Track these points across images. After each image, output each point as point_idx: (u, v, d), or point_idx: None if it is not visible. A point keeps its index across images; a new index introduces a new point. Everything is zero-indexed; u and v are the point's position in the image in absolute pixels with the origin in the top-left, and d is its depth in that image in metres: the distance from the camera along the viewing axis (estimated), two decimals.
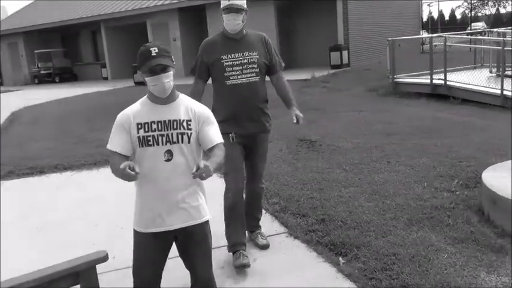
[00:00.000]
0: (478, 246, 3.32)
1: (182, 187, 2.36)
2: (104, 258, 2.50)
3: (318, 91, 12.24)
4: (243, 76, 3.30)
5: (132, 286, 2.52)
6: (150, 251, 2.46)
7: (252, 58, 3.31)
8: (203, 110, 2.43)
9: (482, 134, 6.68)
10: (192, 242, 2.46)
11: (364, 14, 17.35)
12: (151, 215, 2.37)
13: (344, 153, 5.99)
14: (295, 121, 3.47)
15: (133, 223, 2.47)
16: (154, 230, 2.38)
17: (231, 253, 3.39)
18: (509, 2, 46.89)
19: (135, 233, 2.46)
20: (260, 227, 3.78)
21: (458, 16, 43.96)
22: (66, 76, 26.11)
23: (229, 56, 3.30)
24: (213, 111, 2.93)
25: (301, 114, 3.47)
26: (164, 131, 2.31)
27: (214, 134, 2.41)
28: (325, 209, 4.17)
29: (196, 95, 3.38)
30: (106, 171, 6.19)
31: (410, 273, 2.99)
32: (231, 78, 3.30)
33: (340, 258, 3.32)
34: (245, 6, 3.28)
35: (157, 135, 2.30)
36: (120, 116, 2.36)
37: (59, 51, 27.00)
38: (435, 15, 38.01)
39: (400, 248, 3.34)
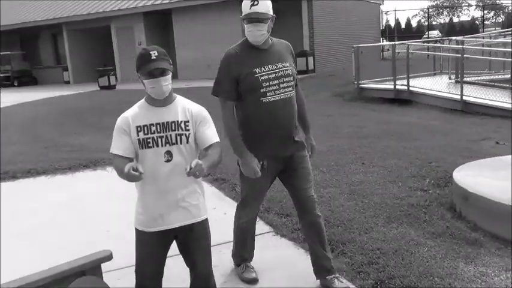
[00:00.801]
0: (455, 239, 3.57)
1: (182, 186, 2.45)
2: (109, 257, 2.55)
3: None
4: (281, 91, 2.84)
5: (133, 284, 2.59)
6: (152, 248, 2.53)
7: (287, 70, 2.88)
8: (200, 110, 2.50)
9: (447, 137, 7.06)
10: (193, 239, 2.54)
11: (328, 22, 17.80)
12: (153, 214, 2.44)
13: (319, 155, 6.17)
14: (309, 153, 3.11)
15: (135, 222, 2.54)
16: (156, 229, 2.45)
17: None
18: (463, 12, 49.11)
19: (138, 232, 2.52)
20: (335, 270, 3.06)
21: (414, 24, 45.52)
22: (25, 80, 25.33)
23: (263, 68, 2.83)
24: (243, 138, 2.92)
25: (315, 145, 3.15)
26: (163, 132, 2.38)
27: (210, 133, 2.48)
28: None
29: (233, 118, 2.94)
30: (81, 176, 6.17)
31: (395, 266, 3.19)
32: (268, 94, 2.82)
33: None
34: (271, 12, 2.80)
35: (156, 137, 2.38)
36: (120, 120, 2.43)
37: (18, 53, 26.20)
38: (392, 23, 39.12)
39: (383, 243, 3.54)
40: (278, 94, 2.84)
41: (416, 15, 47.50)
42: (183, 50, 18.57)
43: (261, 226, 4.12)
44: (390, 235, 3.68)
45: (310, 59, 15.93)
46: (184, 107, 2.47)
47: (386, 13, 39.45)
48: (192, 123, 2.45)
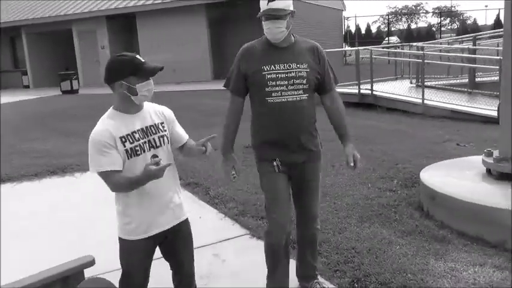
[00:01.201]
0: (424, 237, 3.72)
1: (169, 188, 2.48)
2: (91, 263, 2.56)
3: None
4: (289, 93, 2.65)
5: None
6: (142, 256, 2.49)
7: (301, 71, 2.65)
8: (168, 111, 2.57)
9: (411, 140, 7.31)
10: (179, 239, 2.56)
11: (293, 27, 18.03)
12: (147, 220, 2.42)
13: None
14: (351, 164, 2.80)
15: (121, 233, 2.46)
16: (150, 233, 2.43)
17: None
18: (420, 19, 50.82)
19: (126, 242, 2.45)
20: (317, 276, 3.10)
21: (374, 30, 46.73)
22: None
23: (272, 67, 2.66)
24: (251, 135, 2.87)
25: (358, 155, 2.83)
26: (146, 137, 2.39)
27: (182, 131, 2.61)
28: None
29: (235, 115, 2.85)
30: (49, 182, 6.03)
31: (370, 264, 3.30)
32: (273, 95, 2.66)
33: None
34: (290, 7, 2.63)
35: (142, 143, 2.37)
36: (100, 135, 2.30)
37: None
38: (353, 29, 40.00)
39: (357, 243, 3.65)
40: (285, 96, 2.65)
41: (376, 21, 48.79)
42: (147, 54, 18.36)
43: (237, 229, 4.18)
44: (363, 234, 3.80)
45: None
46: (155, 110, 2.51)
47: (347, 19, 40.41)
48: (166, 124, 2.50)
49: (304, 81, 2.67)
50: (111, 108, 2.41)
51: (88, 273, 2.49)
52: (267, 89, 2.66)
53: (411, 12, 51.45)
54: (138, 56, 2.34)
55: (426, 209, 4.28)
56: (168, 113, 2.54)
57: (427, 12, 51.11)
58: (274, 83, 2.65)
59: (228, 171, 2.85)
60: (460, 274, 3.12)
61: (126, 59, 2.34)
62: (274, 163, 2.76)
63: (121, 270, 2.49)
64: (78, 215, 4.81)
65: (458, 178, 4.39)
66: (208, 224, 4.32)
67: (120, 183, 2.28)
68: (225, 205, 4.70)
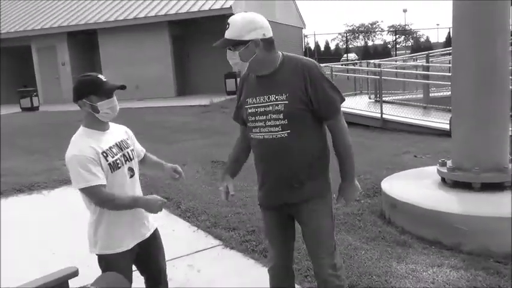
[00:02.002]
0: (387, 242, 3.98)
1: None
2: (75, 273, 2.62)
3: (218, 116, 12.74)
4: (266, 130, 2.36)
5: None
6: (127, 267, 2.57)
7: (278, 104, 2.32)
8: (127, 128, 2.74)
9: (371, 152, 7.66)
10: (155, 247, 2.69)
11: None
12: (130, 230, 2.54)
13: None
14: (340, 204, 2.65)
15: (101, 249, 2.51)
16: (131, 244, 2.53)
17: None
18: (376, 36, 52.68)
19: (111, 257, 2.50)
20: None
21: (333, 47, 48.03)
22: None
23: (254, 100, 2.40)
24: None
25: (350, 198, 2.59)
26: (121, 151, 2.53)
27: (139, 147, 2.79)
28: (252, 221, 4.58)
29: (239, 143, 2.68)
30: (16, 200, 5.97)
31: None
32: (253, 130, 2.43)
33: None
34: (247, 37, 2.26)
35: (120, 156, 2.51)
36: (82, 152, 2.37)
37: None
38: (312, 46, 41.00)
39: None
40: (263, 133, 2.38)
41: (334, 38, 50.16)
42: (109, 71, 18.26)
43: (210, 240, 4.32)
44: None
45: (239, 80, 16.37)
46: (118, 128, 2.67)
47: (306, 36, 41.40)
48: (129, 139, 2.68)
49: (281, 116, 2.32)
50: (81, 126, 2.50)
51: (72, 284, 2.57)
52: (249, 124, 2.46)
53: (368, 30, 53.31)
54: (100, 76, 2.48)
55: (388, 216, 4.56)
56: (129, 130, 2.74)
57: (382, 30, 53.10)
58: (254, 118, 2.41)
59: (221, 191, 2.70)
60: (421, 275, 3.38)
61: (87, 79, 2.48)
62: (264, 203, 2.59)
63: None
64: (51, 231, 4.81)
65: (416, 187, 4.70)
66: (181, 237, 4.44)
67: (114, 199, 2.39)
68: (196, 218, 4.83)
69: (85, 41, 19.34)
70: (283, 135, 2.34)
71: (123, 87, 2.49)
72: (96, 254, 2.55)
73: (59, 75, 19.05)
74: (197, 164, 7.11)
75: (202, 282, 3.54)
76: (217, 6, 16.41)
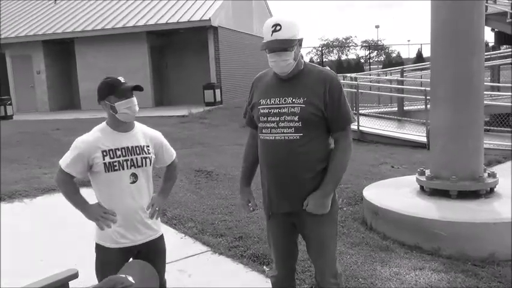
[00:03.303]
0: (370, 247, 4.14)
1: (145, 205, 2.69)
2: (75, 275, 2.68)
3: (197, 126, 12.81)
4: (278, 131, 2.40)
5: None
6: (117, 265, 2.67)
7: (294, 107, 2.37)
8: (156, 135, 2.80)
9: (351, 163, 7.79)
10: (154, 253, 2.74)
11: (232, 56, 18.62)
12: (122, 231, 2.62)
13: None
14: (305, 206, 2.46)
15: (100, 239, 2.66)
16: (124, 245, 2.62)
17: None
18: (350, 51, 53.78)
19: (102, 249, 2.64)
20: None
21: (307, 61, 48.62)
22: None
23: (267, 101, 2.45)
24: None
25: (315, 204, 2.43)
26: (128, 156, 2.60)
27: (166, 156, 2.84)
28: (239, 228, 4.68)
29: (250, 148, 2.69)
30: None
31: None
32: (263, 131, 2.45)
33: (265, 267, 3.86)
34: (298, 36, 2.35)
35: (122, 160, 2.58)
36: (82, 144, 2.55)
37: None
38: None
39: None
40: (274, 133, 2.41)
41: (309, 52, 50.90)
42: (86, 80, 18.14)
43: (198, 246, 4.39)
44: None
45: (218, 91, 16.49)
46: (143, 132, 2.74)
47: None
48: (151, 147, 2.72)
49: (296, 118, 2.36)
50: (104, 122, 2.65)
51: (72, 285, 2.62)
52: (259, 125, 2.49)
53: (342, 45, 54.36)
54: (119, 78, 2.61)
55: (370, 223, 4.73)
56: (154, 137, 2.76)
57: (356, 45, 54.23)
58: (265, 118, 2.44)
59: (243, 205, 2.78)
60: (404, 277, 3.55)
61: (107, 80, 2.61)
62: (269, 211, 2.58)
63: None
64: (37, 239, 4.80)
65: (396, 195, 4.90)
66: (169, 243, 4.41)
67: (63, 183, 2.63)
68: (183, 225, 4.90)
69: (61, 50, 19.15)
70: (295, 137, 2.38)
71: (139, 88, 2.59)
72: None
73: (34, 83, 18.77)
74: (180, 173, 7.14)
75: (195, 286, 3.62)
76: (196, 17, 16.53)
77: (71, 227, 5.07)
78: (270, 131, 2.43)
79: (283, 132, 2.40)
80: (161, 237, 2.80)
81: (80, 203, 2.65)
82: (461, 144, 4.58)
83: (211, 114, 14.86)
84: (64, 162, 2.58)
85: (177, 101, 17.88)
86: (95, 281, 2.71)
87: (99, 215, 2.60)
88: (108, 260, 2.64)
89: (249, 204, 2.74)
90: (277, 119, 2.41)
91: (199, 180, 6.74)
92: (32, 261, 4.19)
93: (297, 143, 2.39)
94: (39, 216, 5.59)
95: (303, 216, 2.49)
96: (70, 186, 2.64)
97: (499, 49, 14.53)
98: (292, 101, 2.40)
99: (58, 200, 6.25)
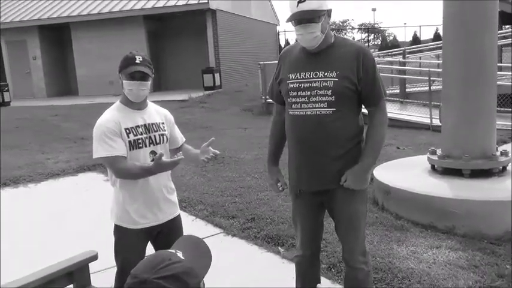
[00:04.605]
0: (385, 227, 4.11)
1: (165, 184, 2.64)
2: (95, 257, 2.64)
3: (197, 111, 12.72)
4: (309, 106, 2.31)
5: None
6: (138, 247, 2.64)
7: (326, 81, 2.28)
8: (169, 114, 2.76)
9: None
10: (174, 232, 2.69)
11: (231, 40, 18.44)
12: (143, 211, 2.56)
13: (247, 163, 6.55)
14: (343, 182, 2.36)
15: (118, 220, 2.59)
16: (146, 225, 2.58)
17: None
18: (347, 34, 53.43)
19: (124, 230, 2.58)
20: None
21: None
22: None
23: (297, 75, 2.36)
24: None
25: (354, 180, 2.35)
26: (147, 133, 2.55)
27: (180, 135, 2.81)
28: (250, 210, 4.65)
29: (276, 125, 2.61)
30: (3, 194, 5.83)
31: (341, 252, 3.61)
32: (293, 106, 2.37)
33: (280, 248, 3.83)
34: (325, 7, 2.24)
35: (144, 138, 2.53)
36: (107, 123, 2.47)
37: None
38: (282, 43, 41.24)
39: (327, 235, 3.94)
40: (304, 108, 2.32)
41: None
42: (83, 66, 17.95)
43: (210, 228, 4.36)
44: (331, 228, 4.09)
45: (217, 75, 16.35)
46: (157, 110, 2.68)
47: (278, 34, 41.57)
48: (166, 124, 2.68)
49: (329, 93, 2.27)
50: (118, 101, 2.58)
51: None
52: (288, 100, 2.39)
53: (339, 28, 54.00)
54: (135, 56, 2.49)
55: (381, 203, 4.70)
56: (168, 114, 2.73)
57: (353, 28, 53.90)
58: (295, 93, 2.35)
59: (272, 185, 2.70)
60: (421, 256, 3.52)
61: (126, 55, 2.53)
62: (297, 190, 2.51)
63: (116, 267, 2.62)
64: (43, 224, 4.75)
65: (407, 175, 4.86)
66: None
67: (128, 169, 2.43)
68: (193, 208, 4.85)
69: (57, 35, 18.90)
70: (328, 112, 2.29)
71: (144, 76, 2.46)
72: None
73: (30, 69, 18.55)
74: None
75: (211, 269, 3.57)
76: (193, 1, 16.30)
77: (81, 210, 5.04)
78: (301, 105, 2.34)
79: (315, 107, 2.31)
80: (179, 216, 2.76)
81: (152, 171, 2.42)
82: (474, 122, 4.53)
83: (211, 98, 14.75)
84: (103, 151, 2.42)
85: (176, 86, 17.73)
86: (114, 263, 2.68)
87: (165, 163, 2.39)
88: (128, 242, 2.61)
89: (278, 183, 2.65)
90: (308, 93, 2.32)
91: (205, 163, 6.66)
92: (46, 244, 4.14)
93: (329, 118, 2.30)
94: (44, 201, 5.53)
95: (334, 193, 2.42)
96: (130, 167, 2.44)
97: (501, 29, 14.44)
98: (324, 74, 2.30)
99: (62, 185, 6.23)
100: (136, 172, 2.44)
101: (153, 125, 2.59)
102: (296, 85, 2.36)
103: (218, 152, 2.63)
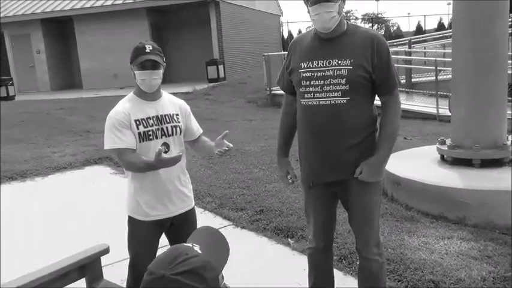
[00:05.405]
0: (395, 218, 4.08)
1: (178, 176, 2.61)
2: (106, 250, 2.62)
3: (202, 103, 12.69)
4: (323, 95, 2.25)
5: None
6: (147, 238, 2.62)
7: (341, 69, 2.22)
8: (185, 104, 2.71)
9: None
10: (187, 225, 2.66)
11: (235, 31, 18.35)
12: (154, 203, 2.54)
13: (254, 155, 6.53)
14: (358, 174, 2.32)
15: (131, 212, 2.58)
16: (156, 217, 2.56)
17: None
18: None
19: (136, 222, 2.57)
20: None
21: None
22: None
23: (310, 64, 2.30)
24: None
25: (368, 172, 2.30)
26: (159, 125, 2.51)
27: (196, 126, 2.76)
28: (259, 202, 4.62)
29: (286, 116, 2.56)
30: (10, 188, 5.83)
31: (353, 243, 3.58)
32: (306, 96, 2.31)
33: (290, 240, 3.81)
34: None
35: (155, 129, 2.50)
36: (117, 115, 2.46)
37: None
38: (285, 34, 41.07)
39: (338, 226, 3.91)
40: (317, 98, 2.27)
41: (309, 27, 50.32)
42: (87, 59, 17.92)
43: (219, 220, 4.34)
44: (341, 219, 4.06)
45: (221, 67, 16.29)
46: (171, 101, 2.64)
47: (281, 25, 41.38)
48: (181, 116, 2.63)
49: (343, 81, 2.22)
50: (131, 92, 2.56)
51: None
52: (300, 90, 2.34)
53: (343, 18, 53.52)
54: (147, 45, 2.46)
55: (391, 194, 4.66)
56: (185, 106, 2.68)
57: (357, 18, 53.51)
58: (308, 82, 2.29)
59: (282, 177, 2.66)
60: (433, 246, 3.49)
61: (136, 46, 2.49)
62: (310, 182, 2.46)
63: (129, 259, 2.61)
64: (51, 217, 4.74)
65: (417, 165, 4.82)
66: None
67: (134, 163, 2.41)
68: (201, 200, 4.83)
69: (61, 29, 18.86)
70: (342, 101, 2.24)
71: (155, 65, 2.43)
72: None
73: (33, 63, 18.54)
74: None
75: None
76: None
77: (89, 203, 5.03)
78: (313, 95, 2.29)
79: (329, 97, 2.26)
80: (193, 208, 2.73)
81: (154, 166, 2.37)
82: (484, 112, 4.48)
83: (215, 90, 14.71)
84: (111, 142, 2.43)
85: (180, 78, 17.68)
86: (127, 256, 2.66)
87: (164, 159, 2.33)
88: (141, 234, 2.60)
89: (288, 176, 2.61)
90: (322, 82, 2.26)
91: (212, 155, 6.64)
92: (56, 238, 4.14)
93: (344, 107, 2.25)
94: (52, 194, 5.52)
95: (348, 184, 2.37)
96: (135, 160, 2.41)
97: (509, 17, 14.27)
98: (338, 63, 2.24)
99: (69, 178, 6.23)
100: (140, 166, 2.42)
101: (166, 116, 2.55)
102: (308, 74, 2.30)
103: (231, 146, 2.59)
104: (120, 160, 2.47)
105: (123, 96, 2.62)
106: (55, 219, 4.67)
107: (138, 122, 2.46)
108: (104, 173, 6.22)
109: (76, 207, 4.95)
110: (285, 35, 39.97)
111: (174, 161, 2.33)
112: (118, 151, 2.44)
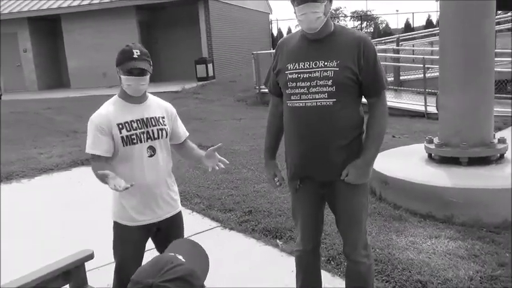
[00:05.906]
0: (383, 217, 4.08)
1: (164, 180, 2.57)
2: (91, 256, 2.58)
3: (191, 102, 12.63)
4: (309, 97, 2.24)
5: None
6: (133, 243, 2.59)
7: (327, 71, 2.21)
8: (171, 107, 2.67)
9: None
10: (174, 229, 2.64)
11: (224, 30, 18.28)
12: (141, 208, 2.50)
13: (243, 155, 6.50)
14: (344, 176, 2.31)
15: (116, 217, 2.54)
16: (143, 222, 2.52)
17: None
18: (339, 22, 53.23)
19: (122, 227, 2.54)
20: None
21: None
22: None
23: (296, 65, 2.28)
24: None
25: (355, 175, 2.30)
26: (144, 128, 2.47)
27: (183, 129, 2.72)
28: (247, 202, 4.60)
29: (273, 117, 2.54)
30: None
31: (341, 244, 3.57)
32: (292, 98, 2.30)
33: (278, 241, 3.79)
34: None
35: (139, 133, 2.45)
36: (98, 118, 2.42)
37: None
38: (275, 32, 41.05)
39: (325, 226, 3.90)
40: (304, 100, 2.25)
41: (298, 25, 50.28)
42: (74, 58, 17.75)
43: (207, 222, 4.31)
44: (329, 219, 4.05)
45: (210, 65, 16.22)
46: (158, 104, 2.60)
47: (269, 23, 41.35)
48: (167, 119, 2.59)
49: (330, 83, 2.21)
50: (116, 95, 2.51)
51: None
52: (287, 91, 2.32)
53: (331, 16, 53.60)
54: (134, 50, 2.40)
55: (379, 193, 4.67)
56: (171, 109, 2.64)
57: (346, 16, 53.64)
58: (294, 84, 2.28)
59: (269, 179, 2.64)
60: (421, 246, 3.50)
61: (123, 49, 2.43)
62: (299, 183, 2.44)
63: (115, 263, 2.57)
64: (38, 219, 4.68)
65: (404, 164, 4.83)
66: None
67: (94, 171, 2.38)
68: (189, 201, 4.81)
69: (48, 27, 18.66)
70: (328, 103, 2.22)
71: (142, 72, 2.38)
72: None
73: (20, 62, 18.32)
74: None
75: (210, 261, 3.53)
76: None
77: (76, 205, 4.97)
78: (300, 97, 2.27)
79: (315, 98, 2.24)
80: (180, 212, 2.70)
81: (102, 179, 2.36)
82: (474, 110, 4.49)
83: (204, 89, 14.65)
84: (88, 147, 2.45)
85: (169, 77, 17.58)
86: (112, 260, 2.63)
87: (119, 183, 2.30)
88: (127, 239, 2.56)
89: (276, 178, 2.58)
90: (308, 84, 2.25)
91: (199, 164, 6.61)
92: (41, 242, 4.08)
93: (330, 109, 2.23)
94: (39, 196, 5.46)
95: (335, 187, 2.36)
96: (96, 168, 2.38)
97: (496, 14, 14.37)
98: (324, 64, 2.23)
99: (56, 180, 6.15)
100: (96, 175, 2.37)
101: (152, 119, 2.51)
102: (295, 75, 2.28)
103: (227, 162, 2.58)
104: (91, 165, 2.46)
105: (112, 95, 2.58)
106: (40, 221, 4.61)
107: (121, 126, 2.42)
108: (91, 174, 6.12)
109: (63, 210, 4.89)
110: (275, 33, 39.99)
111: (103, 176, 2.28)
112: (90, 156, 2.45)
